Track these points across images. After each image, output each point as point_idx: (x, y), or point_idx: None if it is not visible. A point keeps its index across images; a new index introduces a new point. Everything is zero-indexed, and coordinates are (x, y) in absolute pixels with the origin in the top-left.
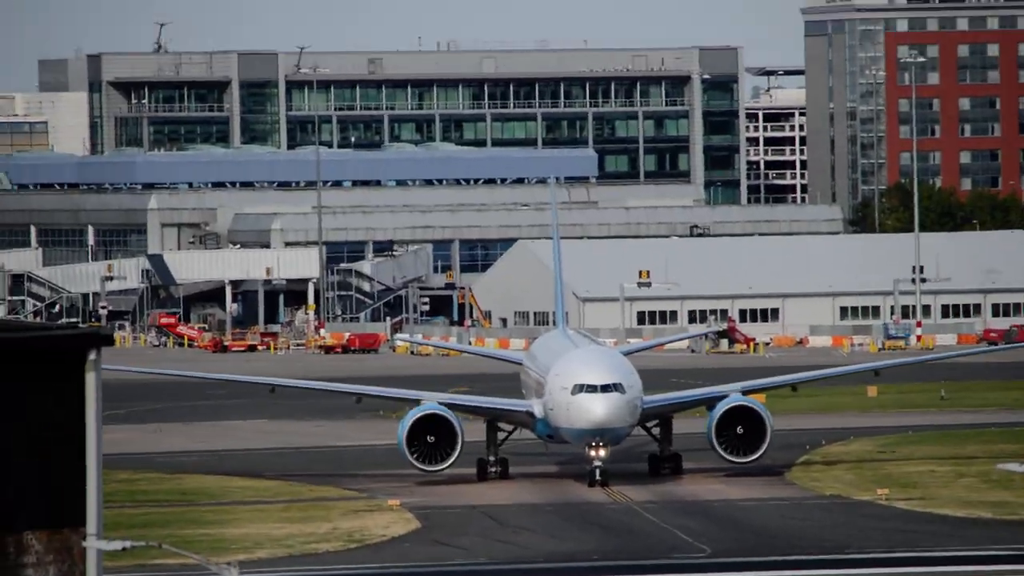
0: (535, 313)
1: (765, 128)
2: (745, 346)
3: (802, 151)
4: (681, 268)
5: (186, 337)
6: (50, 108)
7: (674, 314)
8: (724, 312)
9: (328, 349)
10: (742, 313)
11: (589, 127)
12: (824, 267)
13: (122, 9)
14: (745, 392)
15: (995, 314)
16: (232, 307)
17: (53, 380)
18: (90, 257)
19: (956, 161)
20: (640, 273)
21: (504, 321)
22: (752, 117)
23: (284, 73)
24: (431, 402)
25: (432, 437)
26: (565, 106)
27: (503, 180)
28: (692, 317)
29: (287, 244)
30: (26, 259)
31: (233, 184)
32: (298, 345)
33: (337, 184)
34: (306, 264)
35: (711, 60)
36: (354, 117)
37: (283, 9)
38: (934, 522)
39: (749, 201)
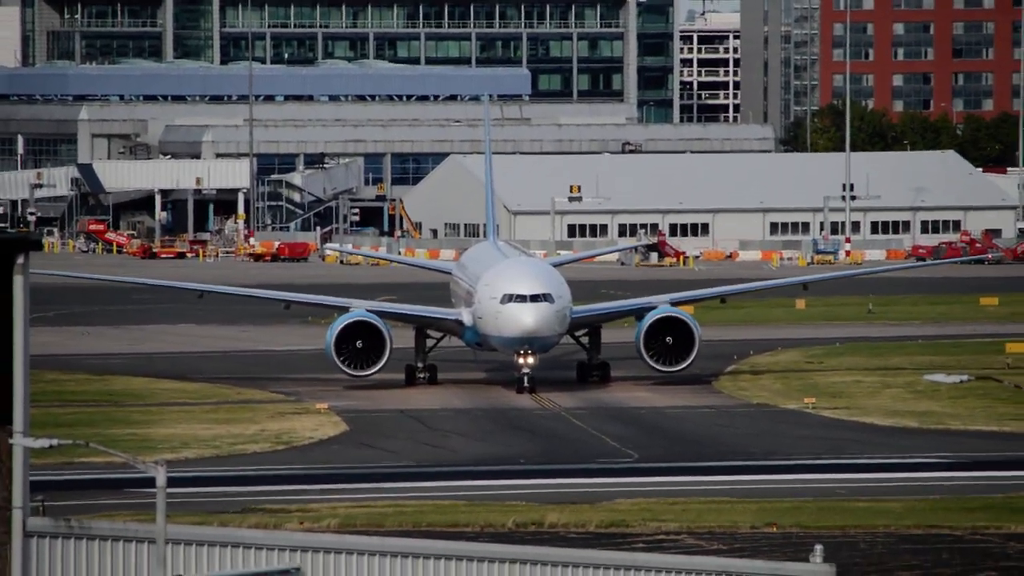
0: (466, 225)
1: (699, 50)
2: (675, 259)
3: (736, 73)
4: (612, 184)
5: (115, 243)
6: None
7: (604, 228)
8: (655, 226)
9: (257, 257)
10: (672, 228)
11: (524, 47)
12: (755, 184)
13: None
14: (674, 303)
15: (924, 231)
16: (161, 215)
17: None
18: (19, 166)
19: (889, 84)
20: (571, 188)
21: (434, 232)
22: (687, 40)
23: None
24: (360, 309)
25: (361, 343)
26: (500, 27)
27: (436, 97)
28: (623, 231)
29: (218, 156)
30: None
31: (165, 97)
32: (227, 253)
33: (270, 99)
34: (236, 175)
35: None
36: (288, 34)
37: None
38: (860, 430)
39: (682, 120)
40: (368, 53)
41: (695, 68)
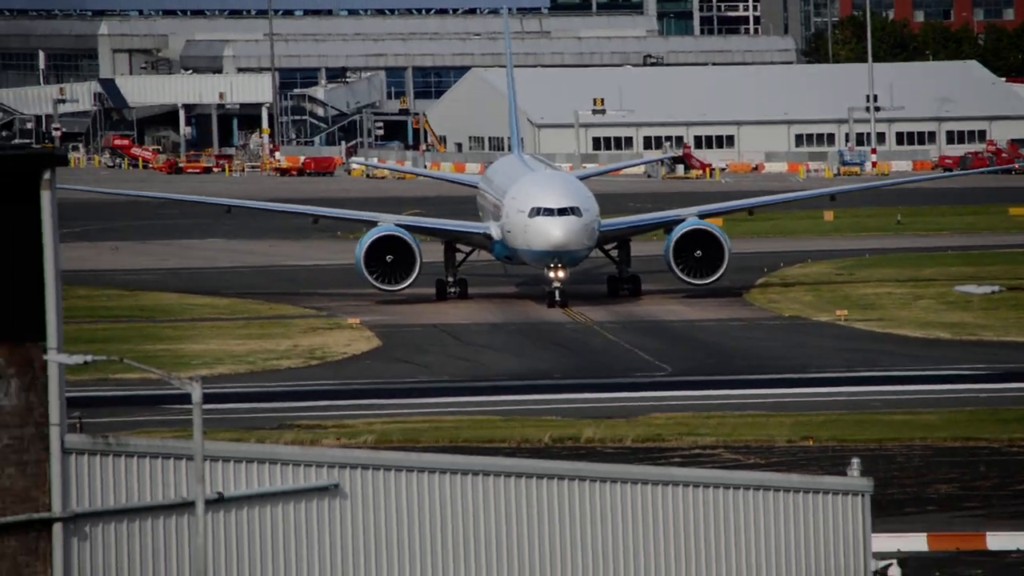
0: (490, 138)
1: None
2: (701, 171)
3: None
4: (635, 96)
5: (140, 158)
6: None
7: (629, 140)
8: (679, 139)
9: (283, 172)
10: (697, 140)
11: None
12: (778, 96)
13: None
14: (702, 216)
15: (950, 142)
16: (186, 130)
17: (8, 200)
18: (41, 80)
19: None
20: (595, 100)
21: (459, 146)
22: None
23: None
24: (388, 223)
25: (390, 257)
26: None
27: (456, 10)
28: (647, 144)
29: (240, 70)
30: None
31: (184, 12)
32: (253, 168)
33: (288, 13)
34: (259, 89)
35: None
36: None
37: None
38: (893, 342)
39: (702, 32)
40: None
41: None
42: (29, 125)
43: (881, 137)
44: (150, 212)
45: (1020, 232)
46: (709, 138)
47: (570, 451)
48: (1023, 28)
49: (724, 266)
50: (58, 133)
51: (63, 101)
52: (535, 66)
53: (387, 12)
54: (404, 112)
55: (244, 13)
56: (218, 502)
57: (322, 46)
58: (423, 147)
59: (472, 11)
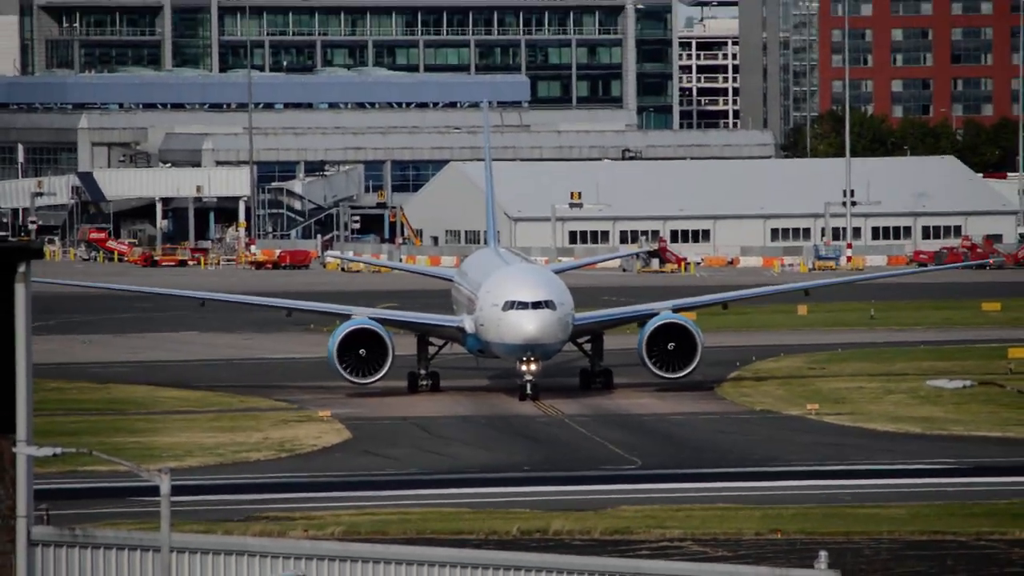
0: (466, 232)
1: (698, 56)
2: (676, 266)
3: (735, 79)
4: (613, 190)
5: (116, 252)
6: None
7: (606, 234)
8: (656, 233)
9: (259, 265)
10: (673, 234)
11: (522, 54)
12: (755, 190)
13: None
14: (676, 310)
15: (925, 236)
16: (162, 223)
17: None
18: (20, 174)
19: (888, 89)
20: (572, 194)
21: (435, 240)
22: (685, 46)
23: None
24: (362, 316)
25: (363, 350)
26: (499, 34)
27: (435, 104)
28: (624, 237)
29: (218, 164)
30: None
31: (164, 105)
32: (228, 261)
33: (269, 107)
34: (237, 182)
35: None
36: (287, 42)
37: None
38: (863, 436)
39: (682, 127)
40: (367, 61)
41: (694, 74)
42: (5, 219)
43: (857, 232)
44: (125, 305)
45: (993, 327)
46: (685, 232)
47: (538, 543)
48: (1001, 124)
49: (697, 360)
50: (34, 226)
51: (40, 194)
52: (514, 159)
53: (367, 106)
54: (381, 206)
55: (224, 107)
56: None
57: (301, 139)
58: (399, 240)
59: (452, 104)
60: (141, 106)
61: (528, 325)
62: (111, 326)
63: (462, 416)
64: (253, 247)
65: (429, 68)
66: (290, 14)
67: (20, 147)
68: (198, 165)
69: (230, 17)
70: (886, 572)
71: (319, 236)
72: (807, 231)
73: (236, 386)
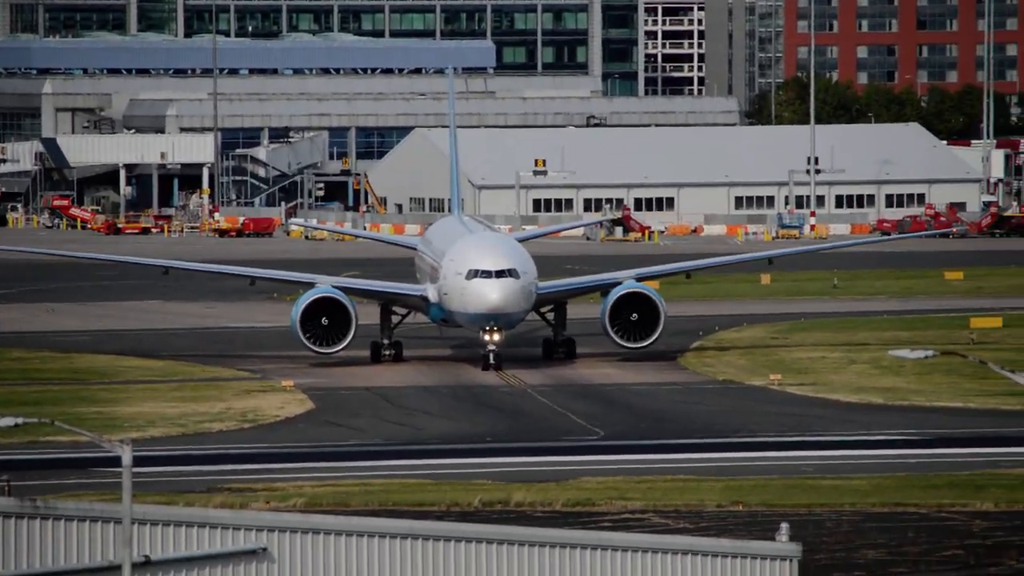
0: (431, 200)
1: (664, 22)
2: (640, 234)
3: (700, 45)
4: (577, 157)
5: (79, 219)
6: None
7: (570, 202)
8: (619, 201)
9: (222, 232)
10: (637, 202)
11: (488, 19)
12: (719, 158)
13: None
14: (639, 279)
15: (889, 205)
16: (126, 190)
17: None
18: None
19: (853, 56)
20: (536, 161)
21: (399, 207)
22: (651, 11)
23: None
24: (325, 285)
25: (326, 319)
26: None
27: (401, 70)
28: (588, 205)
29: (182, 130)
30: None
31: (129, 71)
32: (192, 228)
33: (234, 72)
34: (201, 149)
35: None
36: (252, 7)
37: None
38: (826, 407)
39: (647, 93)
40: (332, 26)
41: (660, 40)
42: None
43: (821, 200)
44: (87, 273)
45: (955, 296)
46: (649, 200)
47: (500, 515)
48: (965, 91)
49: (659, 330)
50: None
51: (3, 161)
52: (478, 126)
53: (332, 72)
54: (345, 173)
55: (189, 72)
56: (145, 565)
57: (266, 106)
58: (363, 208)
59: (417, 71)
60: (105, 71)
61: (491, 294)
62: (73, 294)
63: (425, 386)
64: (217, 214)
65: (395, 33)
66: None
67: None
68: (162, 131)
69: None
70: (848, 544)
71: (283, 204)
72: (771, 199)
73: (199, 355)
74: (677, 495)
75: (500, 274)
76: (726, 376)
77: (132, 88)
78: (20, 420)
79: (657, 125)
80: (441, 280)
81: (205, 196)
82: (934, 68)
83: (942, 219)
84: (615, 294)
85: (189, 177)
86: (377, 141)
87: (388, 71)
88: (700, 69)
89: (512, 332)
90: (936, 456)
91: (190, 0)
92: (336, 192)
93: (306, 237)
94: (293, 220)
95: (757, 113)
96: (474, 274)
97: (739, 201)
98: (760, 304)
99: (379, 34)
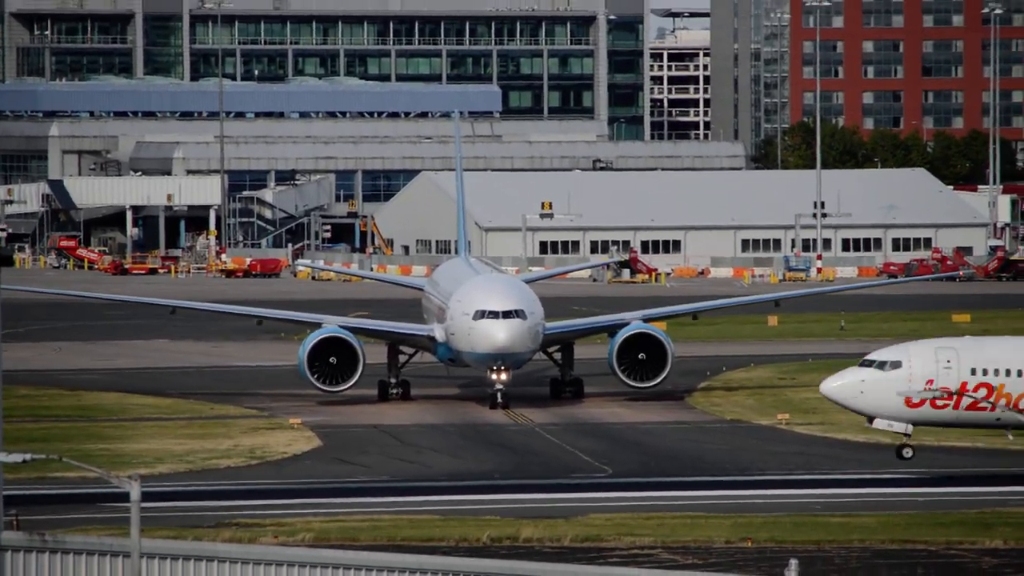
0: (437, 241)
1: (670, 67)
2: (647, 276)
3: (706, 90)
4: (584, 200)
5: (86, 260)
6: None
7: (576, 244)
8: (626, 243)
9: (229, 273)
10: (644, 245)
11: (494, 64)
12: (726, 201)
13: None
14: (647, 320)
15: (895, 248)
16: (133, 231)
17: None
18: None
19: (859, 101)
20: (543, 204)
21: (406, 249)
22: (657, 57)
23: (189, 7)
24: (332, 325)
25: (334, 359)
26: (470, 43)
27: (407, 114)
28: (594, 247)
29: (189, 172)
30: None
31: (135, 114)
32: (199, 269)
33: (240, 115)
34: (208, 191)
35: (617, 1)
36: (258, 51)
37: None
38: (833, 446)
39: (653, 137)
40: (339, 70)
41: (665, 85)
42: None
43: (827, 243)
44: (95, 313)
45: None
46: (656, 242)
47: (508, 551)
48: (971, 137)
49: (667, 369)
50: (4, 234)
51: (10, 202)
52: (485, 169)
53: (338, 115)
54: (352, 215)
55: (195, 115)
56: None
57: (272, 148)
58: (370, 250)
59: (424, 115)
60: (112, 114)
61: (499, 334)
62: (81, 333)
63: (432, 424)
64: (224, 255)
65: (401, 77)
66: (262, 23)
67: None
68: (169, 173)
69: (201, 25)
70: None
71: (290, 245)
72: (777, 242)
73: (207, 393)
74: (686, 531)
75: (507, 315)
76: (734, 415)
77: (138, 131)
78: (29, 456)
79: (663, 169)
80: (448, 320)
81: (212, 237)
82: (940, 114)
83: (949, 263)
84: (623, 334)
85: (196, 219)
86: (383, 184)
87: (394, 115)
88: (706, 114)
89: (519, 372)
90: (944, 494)
91: (196, 44)
92: (343, 234)
93: (313, 278)
94: (300, 261)
95: (763, 158)
96: (481, 314)
97: (745, 244)
98: (767, 345)
99: (385, 78)
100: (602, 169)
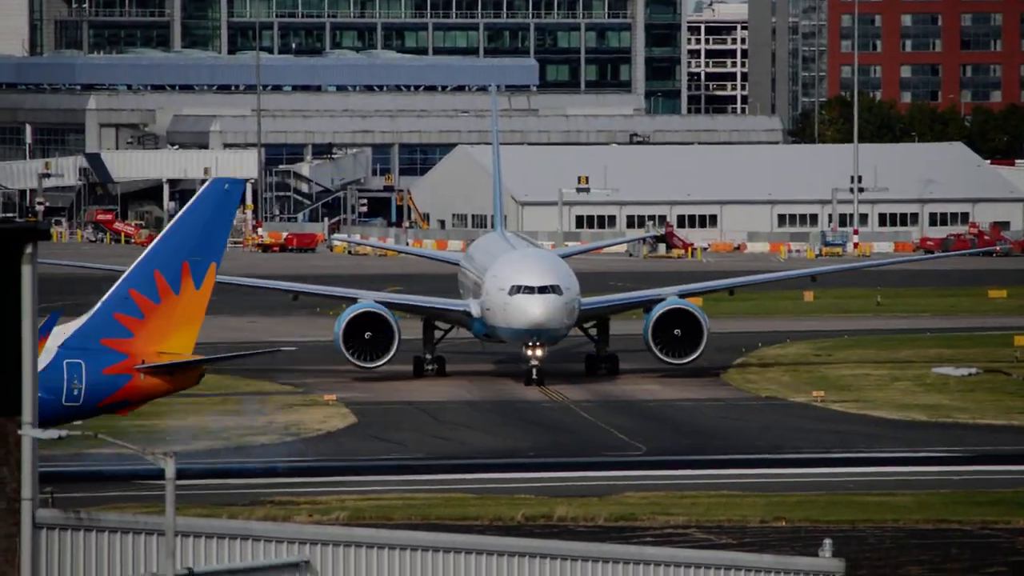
0: (473, 216)
1: (707, 41)
2: (683, 251)
3: (743, 64)
4: (620, 175)
5: (123, 233)
6: None
7: (612, 219)
8: (663, 218)
9: (265, 247)
10: (680, 219)
11: (531, 38)
12: (763, 175)
13: None
14: (682, 295)
15: (932, 223)
16: (170, 204)
17: None
18: (27, 155)
19: (896, 75)
20: (579, 178)
21: (442, 223)
22: (695, 30)
23: None
24: (368, 300)
25: (369, 334)
26: (508, 17)
27: (444, 87)
28: (631, 222)
29: (226, 146)
30: None
31: (173, 87)
32: (235, 243)
33: (277, 88)
34: (245, 165)
35: None
36: (296, 24)
37: None
38: (869, 424)
39: (690, 111)
40: (376, 43)
41: (703, 59)
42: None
43: (864, 218)
44: None
45: (999, 314)
46: (692, 217)
47: (542, 529)
48: (1009, 110)
49: (702, 346)
50: (41, 207)
51: (48, 175)
52: (521, 143)
53: (375, 89)
54: (388, 189)
55: (232, 88)
56: None
57: (309, 122)
58: (406, 224)
59: (460, 88)
60: (149, 87)
61: (534, 309)
62: None
63: (468, 401)
64: (260, 229)
65: (438, 51)
66: None
67: (28, 128)
68: (206, 147)
69: None
70: (891, 560)
71: (326, 219)
72: (814, 217)
73: (242, 369)
74: (720, 510)
75: (543, 290)
76: (769, 393)
77: (176, 104)
78: (64, 433)
79: (700, 143)
80: (484, 296)
81: (248, 211)
82: (977, 88)
83: (986, 238)
84: (658, 310)
85: None
86: (420, 158)
87: (431, 88)
88: (743, 88)
89: (555, 348)
90: (980, 473)
91: (234, 17)
92: (379, 208)
93: (349, 252)
94: (336, 236)
95: (800, 132)
96: (517, 290)
97: (782, 219)
98: (803, 321)
99: (422, 51)
100: (639, 143)
